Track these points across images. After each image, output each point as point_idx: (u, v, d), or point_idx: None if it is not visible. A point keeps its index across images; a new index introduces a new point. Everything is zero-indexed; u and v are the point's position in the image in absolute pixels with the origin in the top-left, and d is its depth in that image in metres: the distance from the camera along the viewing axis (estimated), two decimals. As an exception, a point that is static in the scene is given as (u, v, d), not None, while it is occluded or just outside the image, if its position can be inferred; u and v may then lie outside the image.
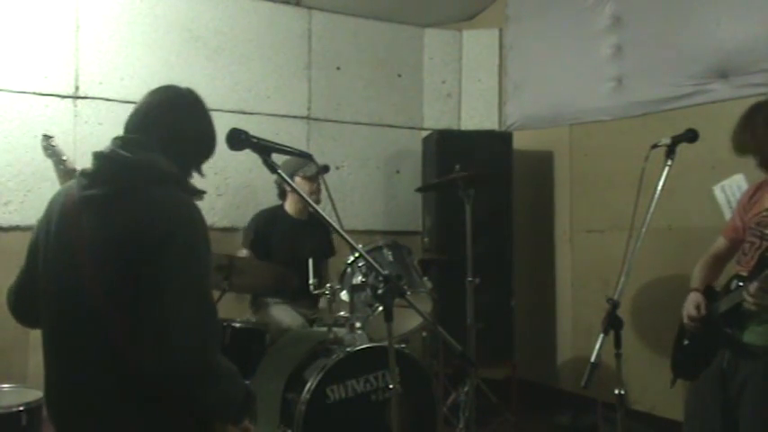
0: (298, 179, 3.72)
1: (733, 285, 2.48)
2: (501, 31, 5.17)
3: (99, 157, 1.74)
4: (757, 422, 2.36)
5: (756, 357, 2.36)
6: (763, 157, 2.45)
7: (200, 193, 1.79)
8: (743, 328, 2.41)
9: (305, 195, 2.11)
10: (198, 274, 1.63)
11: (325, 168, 3.40)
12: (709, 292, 2.63)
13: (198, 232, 1.67)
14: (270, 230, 3.84)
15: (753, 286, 2.27)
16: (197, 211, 1.69)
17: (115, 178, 1.68)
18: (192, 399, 1.61)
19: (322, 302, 3.41)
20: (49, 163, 3.13)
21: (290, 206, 3.92)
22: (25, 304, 1.84)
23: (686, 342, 2.67)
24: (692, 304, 2.58)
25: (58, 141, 3.09)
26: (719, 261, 2.73)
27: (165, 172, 1.71)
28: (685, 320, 2.60)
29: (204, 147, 1.87)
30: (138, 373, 1.57)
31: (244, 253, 3.76)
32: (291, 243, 3.79)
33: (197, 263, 1.63)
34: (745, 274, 2.44)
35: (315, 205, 2.08)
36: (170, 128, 1.78)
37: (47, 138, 3.07)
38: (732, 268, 2.62)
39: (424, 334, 4.12)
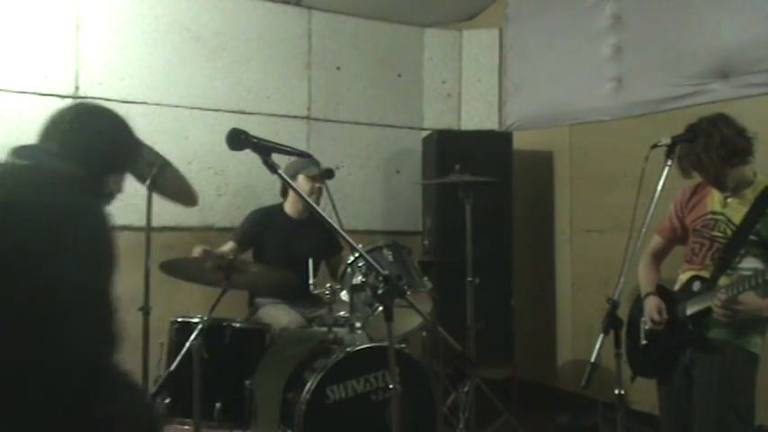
0: (301, 178, 3.71)
1: (695, 287, 2.59)
2: (501, 31, 5.16)
3: None
4: (711, 409, 2.48)
5: (715, 350, 2.49)
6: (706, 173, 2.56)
7: (111, 197, 1.77)
8: (708, 326, 2.52)
9: (304, 195, 2.11)
10: (90, 278, 1.54)
11: (330, 173, 3.35)
12: (662, 292, 2.73)
13: (93, 235, 1.57)
14: (263, 230, 3.83)
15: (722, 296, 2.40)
16: (94, 213, 1.61)
17: (5, 188, 1.60)
18: (88, 412, 1.48)
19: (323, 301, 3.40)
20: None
21: (289, 206, 3.92)
22: None
23: (644, 342, 2.75)
24: (654, 309, 2.67)
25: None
26: (659, 259, 2.88)
27: (62, 174, 1.64)
28: (649, 325, 2.69)
29: (119, 157, 1.84)
30: (42, 390, 1.44)
31: (229, 245, 3.75)
32: (287, 242, 3.79)
33: (89, 267, 1.54)
34: (705, 275, 2.56)
35: (315, 205, 2.09)
36: (75, 138, 1.74)
37: None
38: (673, 263, 2.79)
39: (424, 334, 4.11)
